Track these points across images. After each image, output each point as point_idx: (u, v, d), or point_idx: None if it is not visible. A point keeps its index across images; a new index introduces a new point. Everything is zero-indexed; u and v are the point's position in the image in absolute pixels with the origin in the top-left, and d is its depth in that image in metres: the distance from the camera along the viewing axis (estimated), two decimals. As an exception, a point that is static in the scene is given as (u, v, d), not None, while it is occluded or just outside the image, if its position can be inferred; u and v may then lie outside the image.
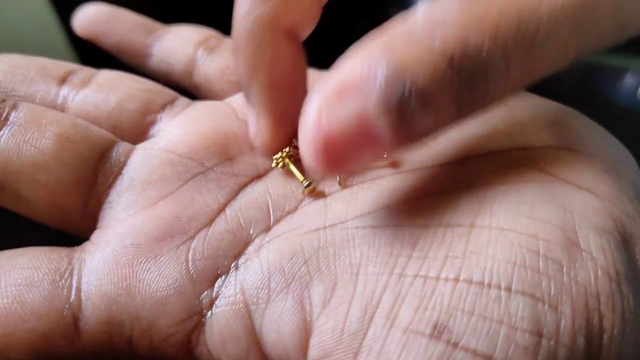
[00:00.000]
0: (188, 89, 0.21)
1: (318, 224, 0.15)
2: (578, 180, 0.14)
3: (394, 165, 0.17)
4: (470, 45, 0.13)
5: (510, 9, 0.13)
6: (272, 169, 0.18)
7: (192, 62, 0.23)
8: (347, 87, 0.13)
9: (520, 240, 0.13)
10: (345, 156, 0.13)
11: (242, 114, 0.19)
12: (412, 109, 0.12)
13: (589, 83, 0.30)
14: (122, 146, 0.18)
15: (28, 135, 0.17)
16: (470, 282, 0.12)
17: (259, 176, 0.17)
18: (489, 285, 0.12)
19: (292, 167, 0.17)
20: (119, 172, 0.17)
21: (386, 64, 0.12)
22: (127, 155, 0.18)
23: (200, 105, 0.20)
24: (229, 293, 0.15)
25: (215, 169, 0.17)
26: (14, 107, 0.17)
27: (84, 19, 0.24)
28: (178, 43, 0.23)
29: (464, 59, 0.13)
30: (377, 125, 0.12)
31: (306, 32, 0.18)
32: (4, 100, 0.17)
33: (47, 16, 0.39)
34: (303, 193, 0.17)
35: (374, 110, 0.12)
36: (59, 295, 0.15)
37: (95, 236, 0.16)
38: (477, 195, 0.14)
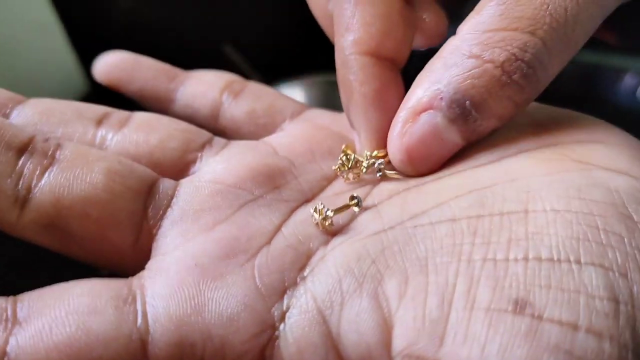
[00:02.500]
0: (214, 133, 0.21)
1: (377, 228, 0.16)
2: (614, 166, 0.15)
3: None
4: (516, 48, 0.15)
5: (542, 6, 0.15)
6: (320, 192, 0.18)
7: (217, 106, 0.23)
8: (418, 109, 0.17)
9: (578, 218, 0.13)
10: (427, 159, 0.17)
11: (282, 151, 0.20)
12: (474, 116, 0.16)
13: (588, 83, 0.30)
14: (167, 181, 0.18)
15: (77, 171, 0.17)
16: (540, 259, 0.13)
17: (307, 200, 0.18)
18: (559, 260, 0.13)
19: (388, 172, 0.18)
20: (168, 205, 0.17)
21: (446, 86, 0.16)
22: (174, 189, 0.18)
23: (240, 143, 0.20)
24: (300, 303, 0.15)
25: (265, 196, 0.18)
26: (58, 145, 0.17)
27: (105, 67, 0.24)
28: (202, 88, 0.23)
29: (512, 62, 0.15)
30: (448, 133, 0.16)
31: (403, 60, 0.20)
32: (47, 140, 0.17)
33: (47, 16, 0.39)
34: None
35: (443, 123, 0.16)
36: (125, 320, 0.14)
37: (153, 264, 0.16)
38: (522, 186, 0.15)
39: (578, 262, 0.13)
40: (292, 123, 0.22)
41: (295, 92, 0.42)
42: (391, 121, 0.18)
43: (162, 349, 0.14)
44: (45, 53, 0.39)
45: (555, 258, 0.13)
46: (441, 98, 0.16)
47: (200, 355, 0.14)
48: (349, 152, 0.19)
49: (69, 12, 0.40)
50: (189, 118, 0.23)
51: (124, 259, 0.17)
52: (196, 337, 0.14)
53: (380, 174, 0.18)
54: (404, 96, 0.18)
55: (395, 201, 0.17)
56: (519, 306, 0.12)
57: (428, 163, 0.17)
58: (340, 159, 0.19)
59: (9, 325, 0.14)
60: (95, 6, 0.42)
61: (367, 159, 0.18)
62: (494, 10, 0.16)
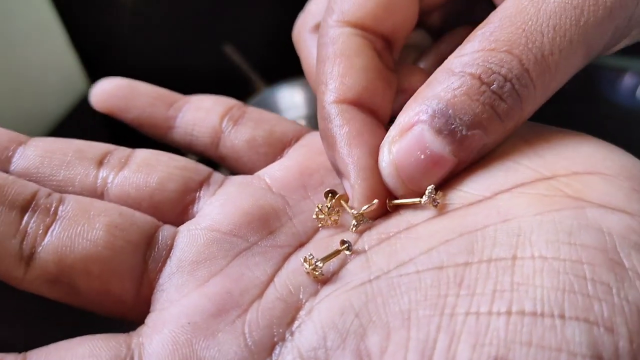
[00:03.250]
0: (213, 160, 0.21)
1: (363, 279, 0.16)
2: (610, 202, 0.14)
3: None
4: (492, 63, 0.16)
5: (518, 29, 0.16)
6: (314, 233, 0.18)
7: (217, 134, 0.23)
8: (405, 127, 0.17)
9: (565, 267, 0.13)
10: (416, 174, 0.17)
11: (275, 187, 0.20)
12: (459, 125, 0.16)
13: (588, 83, 0.30)
14: (167, 229, 0.18)
15: (79, 228, 0.17)
16: (523, 313, 0.13)
17: (301, 244, 0.18)
18: (542, 314, 0.12)
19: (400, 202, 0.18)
20: (167, 256, 0.18)
21: (430, 100, 0.16)
22: (173, 238, 0.18)
23: (235, 182, 0.20)
24: (287, 359, 0.15)
25: (259, 243, 0.18)
26: (60, 201, 0.18)
27: (101, 95, 0.24)
28: (201, 115, 0.23)
29: (489, 74, 0.16)
30: (435, 145, 0.16)
31: (385, 117, 0.20)
32: (50, 195, 0.18)
33: (48, 16, 0.39)
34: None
35: (429, 134, 0.16)
36: None
37: (151, 319, 0.17)
38: (513, 228, 0.14)
39: (562, 316, 0.12)
40: (290, 150, 0.22)
41: (295, 92, 0.42)
42: (377, 158, 0.18)
43: None
44: (46, 53, 0.39)
45: (539, 312, 0.13)
46: (426, 111, 0.16)
47: None
48: (330, 197, 0.19)
49: (70, 12, 0.40)
50: (189, 146, 0.23)
51: (127, 309, 0.17)
52: None
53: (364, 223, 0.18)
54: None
55: (384, 247, 0.16)
56: None
57: (419, 179, 0.17)
58: (317, 206, 0.18)
59: None
60: (96, 6, 0.42)
61: (355, 218, 0.18)
62: (475, 38, 0.17)
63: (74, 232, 0.17)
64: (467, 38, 0.17)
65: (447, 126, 0.16)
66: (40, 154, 0.20)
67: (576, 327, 0.12)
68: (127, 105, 0.23)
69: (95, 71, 0.42)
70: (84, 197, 0.18)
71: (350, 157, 0.18)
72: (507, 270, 0.14)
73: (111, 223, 0.17)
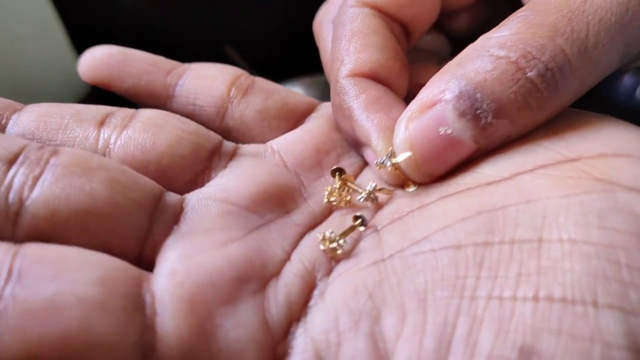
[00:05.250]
0: (217, 132, 0.20)
1: (376, 257, 0.15)
2: None
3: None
4: (533, 47, 0.15)
5: (564, 18, 0.15)
6: (329, 213, 0.18)
7: (224, 104, 0.21)
8: (426, 104, 0.16)
9: (597, 251, 0.12)
10: (432, 157, 0.16)
11: (290, 164, 0.19)
12: (485, 112, 0.15)
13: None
14: (174, 196, 0.17)
15: (75, 180, 0.15)
16: (551, 299, 0.12)
17: (317, 223, 0.17)
18: (573, 301, 0.12)
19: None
20: (177, 220, 0.16)
21: (458, 79, 0.15)
22: (181, 205, 0.16)
23: (248, 156, 0.19)
24: (299, 341, 0.14)
25: (276, 220, 0.17)
26: (54, 152, 0.15)
27: (91, 63, 0.21)
28: (205, 83, 0.21)
29: (528, 59, 0.15)
30: (456, 129, 0.15)
31: (401, 94, 0.19)
32: (42, 147, 0.15)
33: (47, 14, 0.39)
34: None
35: (451, 116, 0.15)
36: (133, 329, 0.13)
37: (163, 269, 0.14)
38: (537, 210, 0.13)
39: (594, 303, 0.11)
40: (306, 121, 0.21)
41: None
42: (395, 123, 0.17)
43: None
44: (46, 52, 0.39)
45: (569, 298, 0.12)
46: (452, 90, 0.15)
47: None
48: (337, 177, 0.18)
49: (69, 11, 0.40)
50: (190, 115, 0.21)
51: None
52: None
53: (374, 199, 0.17)
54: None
55: (397, 226, 0.16)
56: (525, 354, 0.11)
57: (433, 162, 0.16)
58: (326, 189, 0.18)
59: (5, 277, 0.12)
60: (96, 5, 0.42)
61: (364, 194, 0.17)
62: (515, 19, 0.16)
63: (70, 183, 0.15)
64: (505, 20, 0.16)
65: (472, 110, 0.15)
66: (35, 119, 0.18)
67: (610, 316, 0.11)
68: (121, 74, 0.21)
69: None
70: (83, 150, 0.16)
71: (370, 121, 0.17)
72: (532, 252, 0.13)
73: (113, 179, 0.15)
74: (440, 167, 0.16)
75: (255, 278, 0.15)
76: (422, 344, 0.12)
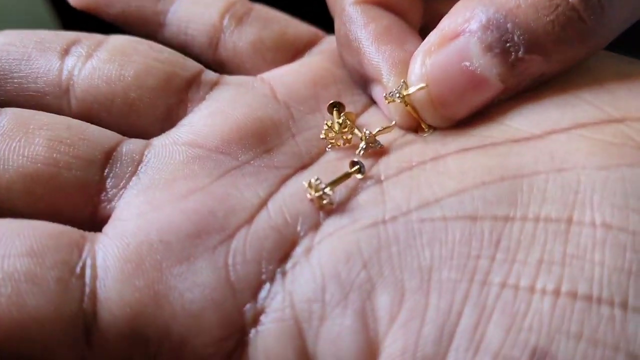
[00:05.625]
0: (210, 65, 0.18)
1: (376, 217, 0.13)
2: None
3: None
4: None
5: None
6: (320, 155, 0.15)
7: (217, 34, 0.19)
8: (448, 35, 0.13)
9: (634, 243, 0.10)
10: (451, 100, 0.14)
11: (281, 94, 0.17)
12: (515, 45, 0.13)
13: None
14: (133, 143, 0.15)
15: (14, 144, 0.14)
16: (574, 295, 0.10)
17: (303, 166, 0.15)
18: (599, 300, 0.10)
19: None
20: (134, 172, 0.15)
21: (485, 6, 0.13)
22: (141, 153, 0.15)
23: (231, 86, 0.17)
24: (276, 306, 0.12)
25: (252, 162, 0.15)
26: None
27: None
28: (198, 10, 0.19)
29: None
30: (480, 64, 0.13)
31: (415, 21, 0.17)
32: None
33: (42, 11, 0.39)
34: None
35: (476, 49, 0.13)
36: (69, 299, 0.12)
37: (110, 229, 0.14)
38: (570, 182, 0.12)
39: (624, 306, 0.10)
40: (305, 55, 0.19)
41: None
42: (411, 55, 0.15)
43: (109, 340, 0.12)
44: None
45: (595, 296, 0.10)
46: (478, 19, 0.13)
47: (154, 353, 0.12)
48: (335, 112, 0.16)
49: (67, 9, 0.40)
50: (182, 46, 0.20)
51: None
52: (151, 332, 0.12)
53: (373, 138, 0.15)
54: (421, 42, 0.15)
55: (404, 179, 0.14)
56: (537, 358, 0.10)
57: (452, 102, 0.14)
58: (326, 123, 0.16)
59: None
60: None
61: (365, 138, 0.15)
62: None
63: (7, 148, 0.14)
64: None
65: (501, 43, 0.13)
66: None
67: None
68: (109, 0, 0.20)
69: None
70: (27, 110, 0.16)
71: (380, 54, 0.15)
72: (559, 236, 0.11)
73: (55, 137, 0.15)
74: (460, 110, 0.14)
75: (215, 230, 0.13)
76: (420, 333, 0.11)
